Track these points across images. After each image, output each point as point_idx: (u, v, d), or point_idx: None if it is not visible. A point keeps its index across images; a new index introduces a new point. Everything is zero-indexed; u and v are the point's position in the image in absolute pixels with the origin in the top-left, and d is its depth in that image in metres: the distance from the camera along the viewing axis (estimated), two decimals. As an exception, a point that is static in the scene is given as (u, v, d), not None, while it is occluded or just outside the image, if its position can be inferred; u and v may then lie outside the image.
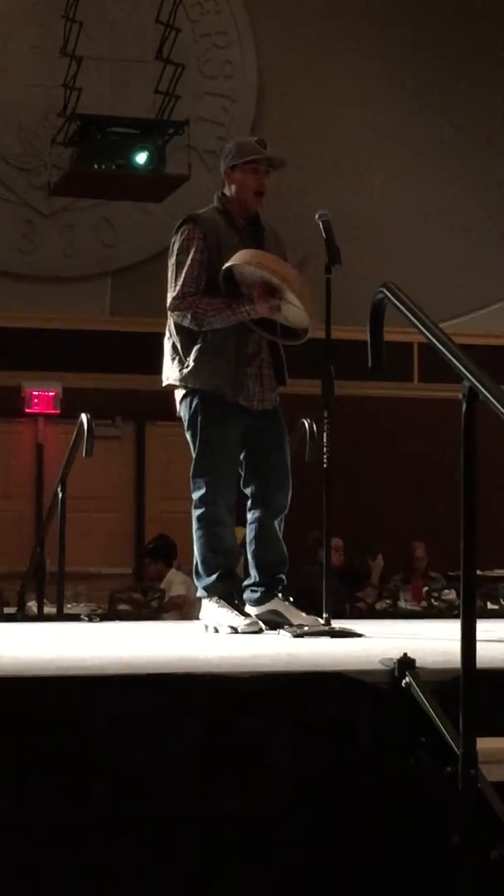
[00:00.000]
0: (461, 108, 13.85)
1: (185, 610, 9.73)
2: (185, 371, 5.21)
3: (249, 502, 5.35)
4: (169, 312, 5.25)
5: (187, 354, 5.21)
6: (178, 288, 5.19)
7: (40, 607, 8.70)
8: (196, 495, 5.25)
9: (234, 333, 5.18)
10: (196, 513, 5.25)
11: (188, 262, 5.19)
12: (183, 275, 5.19)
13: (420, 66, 13.77)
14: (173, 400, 5.36)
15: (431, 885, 3.15)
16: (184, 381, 5.23)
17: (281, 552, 5.33)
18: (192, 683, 3.20)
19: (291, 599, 5.29)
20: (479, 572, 3.77)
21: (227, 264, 5.08)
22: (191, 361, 5.20)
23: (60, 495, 7.35)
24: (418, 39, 13.79)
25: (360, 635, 4.87)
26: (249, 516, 5.34)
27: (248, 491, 5.35)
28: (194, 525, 5.27)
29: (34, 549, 9.13)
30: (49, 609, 8.44)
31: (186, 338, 5.23)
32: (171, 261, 5.28)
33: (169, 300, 5.23)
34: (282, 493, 5.30)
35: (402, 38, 13.76)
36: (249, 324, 5.17)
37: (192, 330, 5.19)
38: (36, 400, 13.09)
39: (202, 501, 5.23)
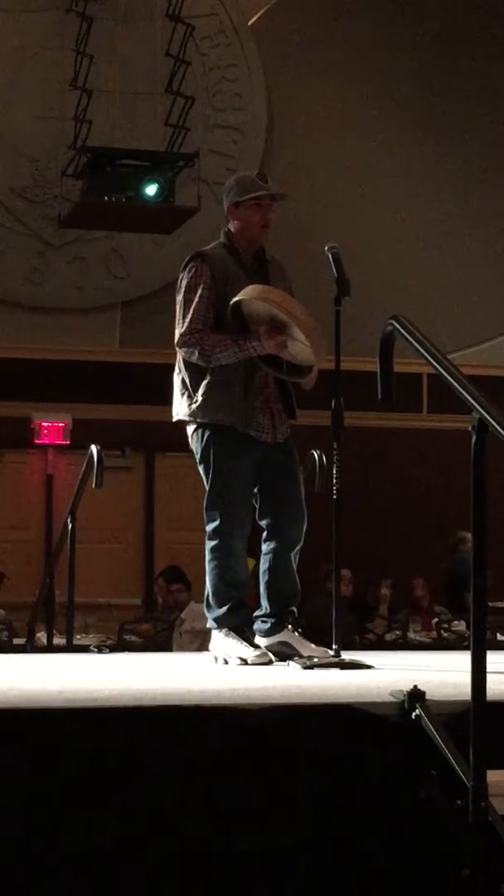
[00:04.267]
0: (471, 139, 13.91)
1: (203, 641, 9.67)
2: (195, 406, 5.22)
3: (264, 534, 5.34)
4: (177, 349, 5.27)
5: (196, 389, 5.22)
6: (185, 325, 5.21)
7: (50, 638, 8.68)
8: (210, 527, 5.25)
9: (241, 368, 5.19)
10: (210, 544, 5.25)
11: (196, 298, 5.21)
12: (191, 312, 5.21)
13: (429, 98, 13.83)
14: (185, 434, 5.37)
15: (442, 919, 3.14)
16: (193, 415, 5.24)
17: (294, 585, 5.32)
18: (201, 715, 3.20)
19: (301, 630, 5.28)
20: (489, 603, 3.76)
21: (235, 299, 5.10)
22: (199, 396, 5.21)
23: (70, 526, 7.34)
24: (429, 71, 13.86)
25: (369, 667, 4.86)
26: (264, 548, 5.33)
27: (263, 523, 5.34)
28: (208, 556, 5.26)
29: (44, 580, 9.13)
30: (59, 640, 8.43)
31: (195, 373, 5.24)
32: (179, 297, 5.31)
33: (177, 337, 5.25)
34: (296, 525, 5.30)
35: (412, 70, 13.83)
36: (257, 360, 5.19)
37: (200, 365, 5.21)
38: (46, 431, 13.12)
39: (216, 533, 5.23)
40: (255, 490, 5.31)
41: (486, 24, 13.90)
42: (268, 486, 5.30)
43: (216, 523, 5.22)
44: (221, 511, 5.21)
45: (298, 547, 5.31)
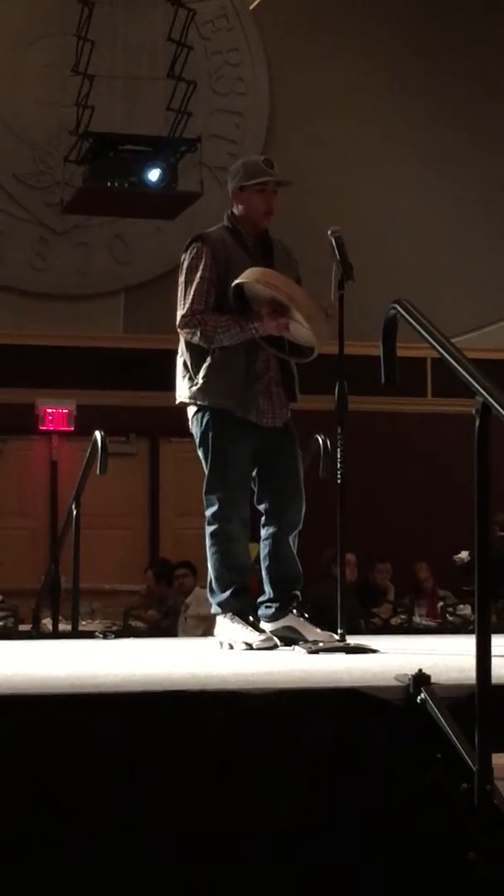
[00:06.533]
0: (474, 121, 13.87)
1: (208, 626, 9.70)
2: (195, 388, 5.22)
3: (263, 518, 5.35)
4: (179, 330, 5.27)
5: (197, 372, 5.23)
6: (187, 305, 5.21)
7: (55, 624, 8.69)
8: (209, 512, 5.25)
9: (242, 350, 5.19)
10: (209, 529, 5.26)
11: (197, 279, 5.21)
12: (192, 292, 5.21)
13: (432, 80, 13.80)
14: (185, 417, 5.37)
15: (448, 902, 3.15)
16: (194, 398, 5.25)
17: (295, 568, 5.33)
18: (206, 700, 3.20)
19: (306, 615, 5.28)
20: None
21: (237, 281, 5.10)
22: (200, 379, 5.21)
23: (75, 512, 7.35)
24: (431, 53, 13.82)
25: (374, 651, 4.86)
26: (263, 532, 5.34)
27: (261, 507, 5.35)
28: (208, 542, 5.27)
29: (49, 566, 9.14)
30: (64, 626, 8.45)
31: (196, 355, 5.24)
32: (181, 279, 5.31)
33: (178, 318, 5.25)
34: (295, 508, 5.30)
35: (414, 52, 13.80)
36: (259, 341, 5.18)
37: (201, 347, 5.21)
38: (50, 417, 13.12)
39: (215, 518, 5.24)
40: (254, 474, 5.31)
41: (492, 5, 13.86)
42: (266, 469, 5.30)
43: (215, 508, 5.23)
44: (220, 495, 5.22)
45: (297, 530, 5.31)
